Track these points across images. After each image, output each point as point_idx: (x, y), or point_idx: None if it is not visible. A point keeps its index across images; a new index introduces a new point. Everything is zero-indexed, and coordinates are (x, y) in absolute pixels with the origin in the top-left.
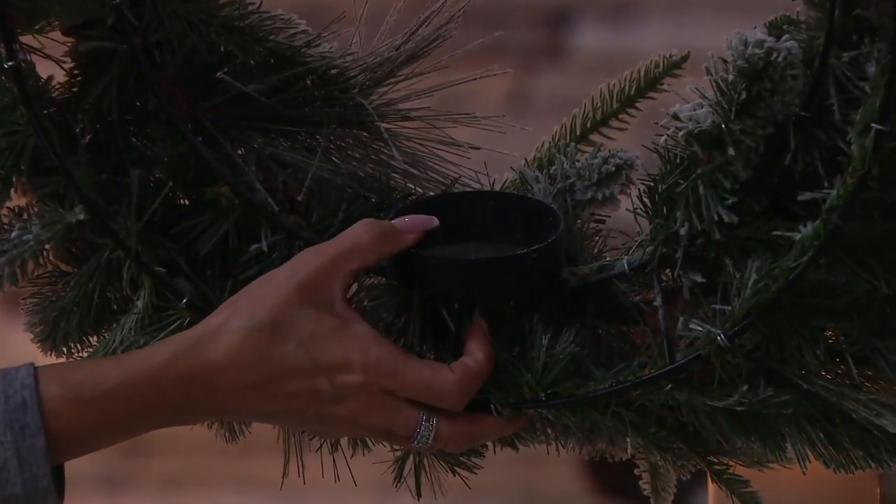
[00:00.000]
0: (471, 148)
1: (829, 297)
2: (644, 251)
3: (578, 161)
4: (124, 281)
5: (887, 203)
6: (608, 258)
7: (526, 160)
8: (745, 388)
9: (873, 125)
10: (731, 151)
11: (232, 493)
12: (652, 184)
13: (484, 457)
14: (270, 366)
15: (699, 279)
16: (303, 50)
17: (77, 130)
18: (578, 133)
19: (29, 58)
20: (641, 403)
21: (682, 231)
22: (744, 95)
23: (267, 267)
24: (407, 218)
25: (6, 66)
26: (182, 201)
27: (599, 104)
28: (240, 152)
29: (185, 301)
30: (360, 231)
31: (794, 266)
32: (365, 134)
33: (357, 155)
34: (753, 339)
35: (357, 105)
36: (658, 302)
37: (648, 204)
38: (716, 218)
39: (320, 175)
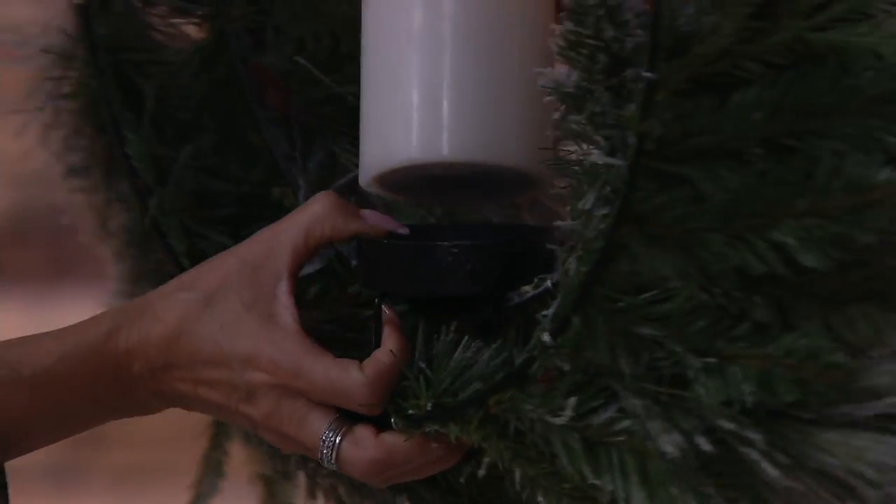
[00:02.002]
0: None
1: (651, 302)
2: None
3: None
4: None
5: (677, 180)
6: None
7: None
8: (572, 399)
9: (643, 73)
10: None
11: None
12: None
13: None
14: (196, 347)
15: (531, 291)
16: None
17: (149, 99)
18: None
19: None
20: (507, 421)
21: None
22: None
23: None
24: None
25: (74, 4)
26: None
27: None
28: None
29: None
30: (314, 200)
31: (597, 248)
32: None
33: None
34: (574, 342)
35: None
36: (549, 312)
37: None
38: (585, 207)
39: None
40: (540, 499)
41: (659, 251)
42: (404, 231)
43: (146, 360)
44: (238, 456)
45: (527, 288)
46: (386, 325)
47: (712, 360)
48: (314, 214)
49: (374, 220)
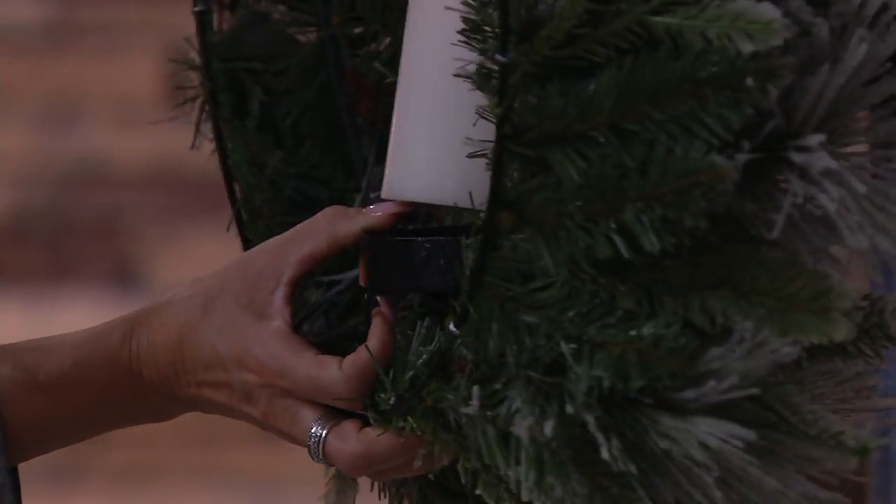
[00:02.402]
0: None
1: (532, 290)
2: None
3: None
4: None
5: (542, 165)
6: None
7: None
8: (476, 388)
9: (496, 56)
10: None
11: (197, 487)
12: None
13: None
14: (196, 351)
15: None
16: None
17: (252, 105)
18: None
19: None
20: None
21: None
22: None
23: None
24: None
25: (193, 12)
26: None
27: None
28: None
29: None
30: (320, 213)
31: (477, 231)
32: None
33: None
34: (474, 331)
35: None
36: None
37: None
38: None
39: None
40: (478, 492)
41: (533, 237)
42: (406, 209)
43: (155, 366)
44: None
45: None
46: (374, 319)
47: (582, 345)
48: (317, 226)
49: (374, 208)
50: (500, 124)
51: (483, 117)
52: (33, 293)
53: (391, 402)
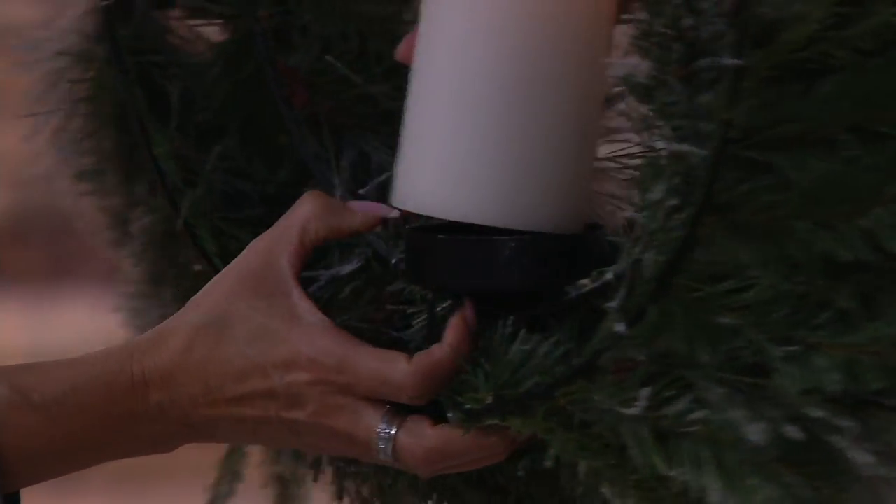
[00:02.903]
0: None
1: (730, 291)
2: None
3: None
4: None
5: (761, 168)
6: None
7: None
8: (646, 390)
9: (729, 61)
10: (655, 105)
11: (197, 487)
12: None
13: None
14: (221, 367)
15: (610, 276)
16: None
17: (174, 99)
18: None
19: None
20: (572, 413)
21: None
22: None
23: (360, 270)
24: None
25: (101, 5)
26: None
27: None
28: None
29: None
30: (301, 202)
31: (678, 236)
32: None
33: None
34: (649, 332)
35: None
36: (613, 305)
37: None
38: (658, 197)
39: None
40: (603, 490)
41: (741, 240)
42: (394, 214)
43: (166, 390)
44: (254, 459)
45: (585, 281)
46: (453, 320)
47: (795, 348)
48: (305, 216)
49: (364, 209)
50: (726, 128)
51: (626, 117)
52: (33, 293)
53: (488, 401)
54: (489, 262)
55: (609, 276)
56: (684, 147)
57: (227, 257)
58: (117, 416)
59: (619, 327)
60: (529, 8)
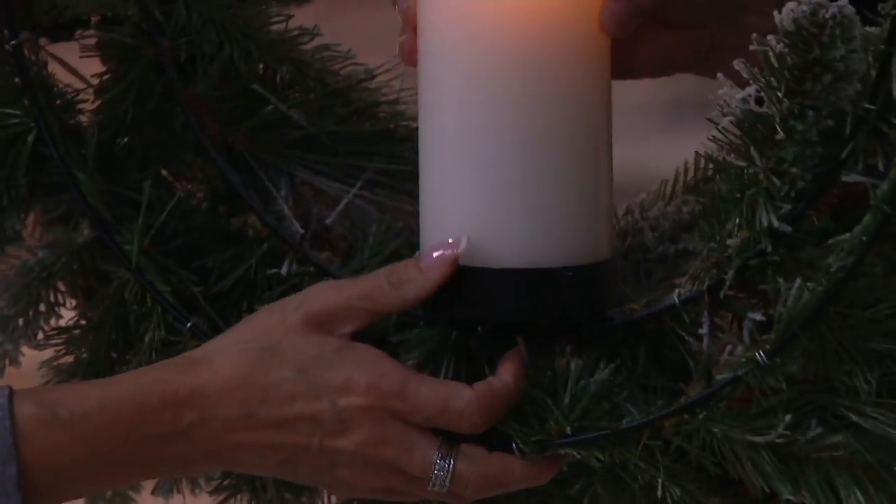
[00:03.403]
0: None
1: (887, 316)
2: (696, 282)
3: (651, 211)
4: (130, 320)
5: None
6: (661, 293)
7: None
8: (787, 418)
9: None
10: (781, 135)
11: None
12: (706, 200)
13: None
14: (267, 391)
15: (758, 317)
16: (360, 85)
17: (90, 136)
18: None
19: (41, 53)
20: (678, 446)
21: (732, 247)
22: (789, 63)
23: (286, 295)
24: (435, 253)
25: (7, 47)
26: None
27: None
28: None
29: (189, 325)
30: (380, 278)
31: (840, 267)
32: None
33: (410, 189)
34: (797, 360)
35: (410, 139)
36: (704, 330)
37: (703, 224)
38: (766, 224)
39: (362, 208)
40: None
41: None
42: (463, 245)
43: (200, 411)
44: None
45: (635, 305)
46: (509, 356)
47: None
48: (381, 291)
49: (437, 262)
50: None
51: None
52: None
53: (567, 432)
54: (547, 293)
55: (676, 299)
56: (863, 178)
57: (177, 294)
58: (143, 435)
59: (761, 357)
60: (531, 56)
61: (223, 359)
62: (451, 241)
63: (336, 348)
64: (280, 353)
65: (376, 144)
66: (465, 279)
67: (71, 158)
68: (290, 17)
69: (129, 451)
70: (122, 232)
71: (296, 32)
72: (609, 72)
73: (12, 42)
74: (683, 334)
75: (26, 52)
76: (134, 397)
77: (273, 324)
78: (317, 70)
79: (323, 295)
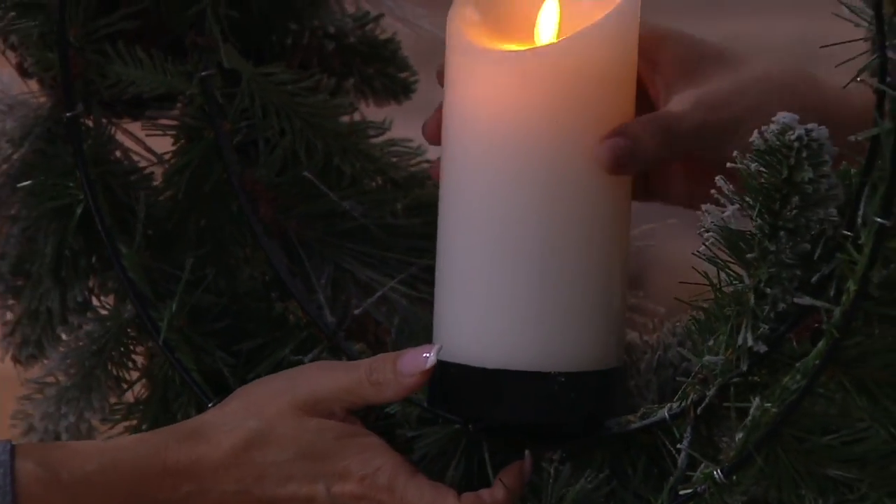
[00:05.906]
0: None
1: (844, 443)
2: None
3: (678, 327)
4: (168, 397)
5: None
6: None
7: None
8: None
9: (876, 219)
10: (754, 254)
11: None
12: (700, 314)
13: None
14: (266, 470)
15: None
16: (426, 181)
17: (140, 211)
18: None
19: (103, 122)
20: None
21: (715, 365)
22: (762, 181)
23: None
24: (410, 359)
25: (65, 118)
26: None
27: None
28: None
29: (211, 404)
30: (362, 374)
31: (795, 389)
32: None
33: None
34: (753, 480)
35: None
36: (684, 445)
37: (697, 339)
38: (741, 343)
39: (404, 306)
40: None
41: (862, 396)
42: (435, 350)
43: (199, 483)
44: None
45: (631, 417)
46: (509, 468)
47: None
48: (364, 386)
49: (410, 368)
50: (865, 284)
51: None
52: None
53: None
54: (537, 397)
55: (665, 414)
56: (815, 301)
57: (203, 372)
58: (141, 500)
59: (718, 474)
60: (550, 173)
61: (226, 433)
62: (424, 354)
63: (337, 436)
64: (279, 437)
65: (429, 241)
66: (465, 379)
67: (119, 233)
68: (355, 109)
69: None
70: (159, 309)
71: (364, 126)
72: (629, 191)
73: (68, 114)
74: (671, 448)
75: (89, 123)
76: (134, 463)
77: (266, 405)
78: (382, 164)
79: (313, 379)
